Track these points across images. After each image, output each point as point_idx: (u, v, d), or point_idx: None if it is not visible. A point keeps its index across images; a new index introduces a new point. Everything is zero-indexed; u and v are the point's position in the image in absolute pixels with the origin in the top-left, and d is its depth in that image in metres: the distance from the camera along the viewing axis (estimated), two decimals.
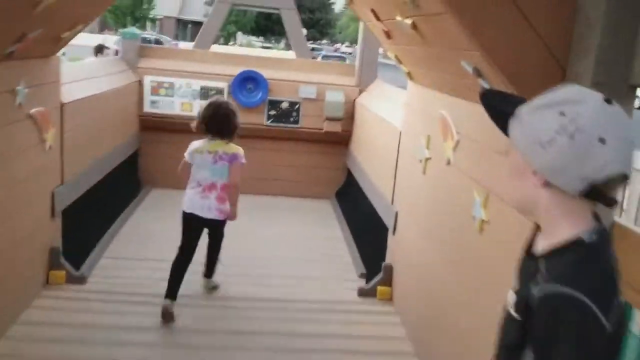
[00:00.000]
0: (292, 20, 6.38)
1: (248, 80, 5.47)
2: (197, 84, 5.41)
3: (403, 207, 3.37)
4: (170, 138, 5.49)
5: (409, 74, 3.25)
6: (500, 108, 1.18)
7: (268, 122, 5.50)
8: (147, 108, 5.38)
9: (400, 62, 3.22)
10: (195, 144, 3.23)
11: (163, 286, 3.13)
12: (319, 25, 55.94)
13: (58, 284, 3.33)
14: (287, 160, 5.62)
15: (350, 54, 59.91)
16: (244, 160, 3.23)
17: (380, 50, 5.46)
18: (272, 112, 5.51)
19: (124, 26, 48.03)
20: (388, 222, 3.62)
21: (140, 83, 5.31)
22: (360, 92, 5.49)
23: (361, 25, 5.41)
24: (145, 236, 4.24)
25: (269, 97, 5.45)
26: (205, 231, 3.30)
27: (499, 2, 1.66)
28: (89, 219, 3.92)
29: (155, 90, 5.37)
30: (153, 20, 54.21)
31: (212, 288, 3.51)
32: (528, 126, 1.07)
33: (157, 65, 5.41)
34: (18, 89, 2.73)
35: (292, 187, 5.69)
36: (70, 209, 3.53)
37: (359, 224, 4.63)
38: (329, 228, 4.89)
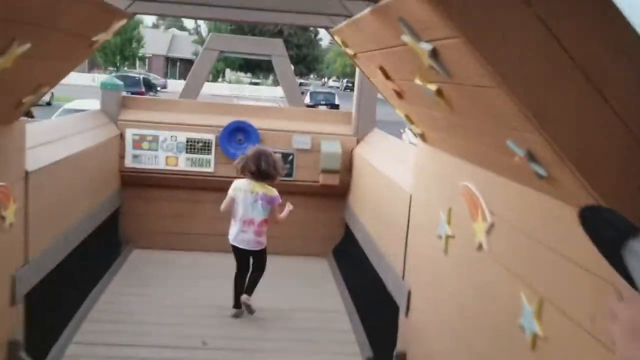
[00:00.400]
0: (283, 66, 6.06)
1: (238, 131, 5.09)
2: (183, 136, 5.02)
3: (418, 287, 2.94)
4: (153, 194, 5.10)
5: (421, 136, 2.87)
6: (606, 235, 0.88)
7: None
8: (129, 163, 4.97)
9: (411, 122, 2.85)
10: (239, 182, 3.82)
11: None
12: (306, 61, 56.30)
13: None
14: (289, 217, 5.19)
15: (337, 87, 60.55)
16: (280, 200, 3.88)
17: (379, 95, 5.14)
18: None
19: (114, 65, 48.11)
20: (399, 300, 3.19)
21: (121, 136, 4.91)
22: (358, 141, 5.12)
23: (358, 71, 5.09)
24: (123, 313, 3.77)
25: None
26: None
27: (566, 73, 1.28)
28: (58, 299, 3.45)
29: (137, 145, 4.97)
30: (142, 59, 54.34)
31: (248, 307, 3.84)
32: None
33: (140, 117, 5.02)
34: None
35: (285, 244, 5.24)
36: (35, 290, 3.07)
37: (362, 293, 4.19)
38: (328, 297, 4.44)
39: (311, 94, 31.65)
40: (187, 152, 5.03)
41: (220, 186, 5.12)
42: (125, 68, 48.63)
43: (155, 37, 54.46)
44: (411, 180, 3.19)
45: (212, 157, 5.06)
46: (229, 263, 5.02)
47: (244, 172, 3.78)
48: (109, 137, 4.65)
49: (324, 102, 29.25)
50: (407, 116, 2.84)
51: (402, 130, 14.07)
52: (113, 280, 4.30)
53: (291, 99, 6.03)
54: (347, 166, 5.06)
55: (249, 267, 3.91)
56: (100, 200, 4.37)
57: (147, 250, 5.05)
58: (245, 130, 5.08)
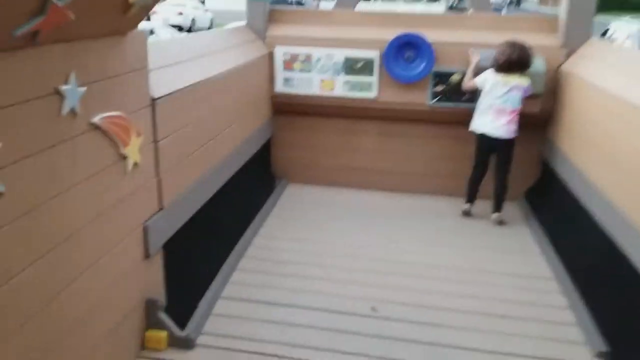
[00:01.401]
0: None
1: (406, 47, 4.14)
2: (340, 55, 4.21)
3: None
4: (307, 123, 4.43)
5: None
6: None
7: (432, 102, 4.14)
8: (280, 87, 4.31)
9: None
10: (488, 75, 3.80)
11: (299, 353, 2.34)
12: None
13: (157, 349, 2.39)
14: (459, 152, 4.24)
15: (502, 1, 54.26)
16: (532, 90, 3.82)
17: None
18: (439, 88, 4.14)
19: None
20: None
21: (270, 56, 4.23)
22: (568, 55, 3.90)
23: None
24: (276, 263, 3.19)
25: (435, 68, 4.08)
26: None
27: None
28: (201, 249, 2.95)
29: (288, 65, 4.26)
30: None
31: (499, 222, 3.89)
32: None
33: (291, 33, 4.28)
34: (64, 89, 1.72)
35: (462, 183, 4.33)
36: (173, 240, 2.56)
37: (577, 254, 3.16)
38: (527, 255, 3.47)
39: None
40: (346, 74, 4.23)
41: (384, 114, 4.29)
42: None
43: None
44: None
45: (374, 79, 4.20)
46: (396, 204, 4.29)
47: (502, 66, 3.75)
48: (257, 56, 3.99)
49: None
50: None
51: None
52: (265, 222, 3.76)
53: (475, 2, 4.85)
54: (550, 89, 3.90)
55: (487, 165, 3.94)
56: (249, 132, 3.79)
57: (301, 186, 4.46)
58: (416, 45, 4.11)
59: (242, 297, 2.82)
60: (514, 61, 3.70)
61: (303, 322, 2.64)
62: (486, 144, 3.85)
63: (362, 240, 3.55)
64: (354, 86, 4.25)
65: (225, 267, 3.01)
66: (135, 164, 2.19)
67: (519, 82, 3.75)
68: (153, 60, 2.38)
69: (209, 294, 2.72)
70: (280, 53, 4.24)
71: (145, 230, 2.30)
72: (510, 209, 4.09)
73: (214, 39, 3.76)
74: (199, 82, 2.83)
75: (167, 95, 2.45)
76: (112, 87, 2.01)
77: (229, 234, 3.35)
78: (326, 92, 4.28)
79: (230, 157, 3.37)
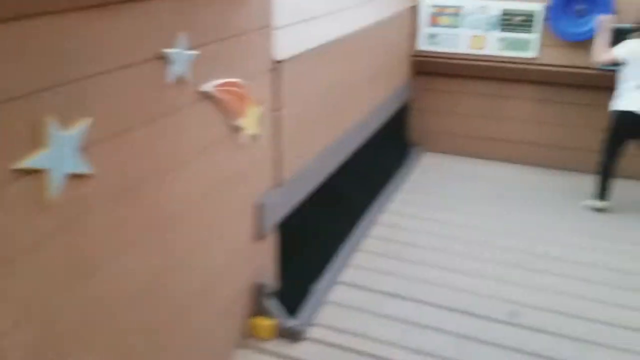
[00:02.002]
0: None
1: None
2: (496, 8, 3.64)
3: None
4: (452, 86, 3.95)
5: None
6: None
7: (604, 66, 3.44)
8: (423, 45, 3.85)
9: None
10: (632, 44, 3.15)
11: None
12: None
13: (263, 339, 2.20)
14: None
15: None
16: None
17: None
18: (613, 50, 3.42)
19: None
20: None
21: (414, 9, 3.78)
22: None
23: None
24: (404, 246, 2.86)
25: (612, 25, 3.37)
26: None
27: None
28: (321, 229, 2.70)
29: (435, 20, 3.79)
30: None
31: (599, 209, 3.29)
32: None
33: None
34: (170, 53, 1.49)
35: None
36: (291, 219, 2.34)
37: None
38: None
39: None
40: (501, 30, 3.66)
41: (543, 78, 3.67)
42: None
43: None
44: None
45: (535, 36, 3.59)
46: (549, 183, 3.72)
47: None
48: (399, 10, 3.56)
49: None
50: None
51: None
52: (395, 197, 3.42)
53: None
54: None
55: (622, 151, 3.26)
56: (383, 95, 3.43)
57: (439, 156, 4.03)
58: None
59: (362, 284, 2.54)
60: None
61: (427, 322, 2.31)
62: (630, 125, 3.14)
63: (502, 226, 3.09)
64: (509, 44, 3.68)
65: (346, 248, 2.74)
66: (253, 136, 1.96)
67: None
68: (280, 15, 2.10)
69: (325, 279, 2.48)
70: (427, 5, 3.76)
71: (259, 209, 2.08)
72: None
73: None
74: (330, 42, 2.52)
75: (293, 57, 2.17)
76: (228, 50, 1.77)
77: (354, 210, 3.07)
78: (476, 51, 3.76)
79: (360, 123, 3.05)
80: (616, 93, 3.21)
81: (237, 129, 1.87)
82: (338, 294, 2.46)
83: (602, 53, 3.23)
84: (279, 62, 2.08)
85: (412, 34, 3.83)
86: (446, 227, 3.07)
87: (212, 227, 1.83)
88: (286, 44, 2.15)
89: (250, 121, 1.92)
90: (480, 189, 3.56)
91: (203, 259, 1.81)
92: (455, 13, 3.72)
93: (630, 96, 3.13)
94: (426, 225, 3.07)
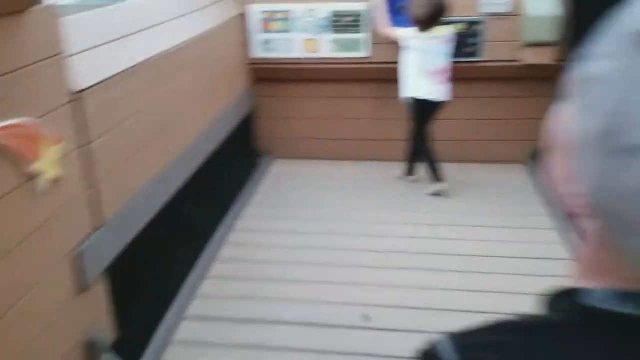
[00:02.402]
0: None
1: None
2: (325, 10, 3.66)
3: None
4: (292, 91, 3.91)
5: None
6: None
7: None
8: (258, 52, 3.78)
9: None
10: (411, 32, 3.27)
11: None
12: None
13: None
14: (461, 112, 3.74)
15: None
16: None
17: None
18: None
19: None
20: None
21: (243, 17, 3.69)
22: None
23: None
24: (253, 268, 2.76)
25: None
26: None
27: None
28: (162, 262, 2.52)
29: (266, 26, 3.72)
30: None
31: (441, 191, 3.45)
32: None
33: None
34: None
35: (465, 149, 3.85)
36: (123, 260, 2.13)
37: None
38: (538, 228, 3.05)
39: None
40: (334, 32, 3.69)
41: (378, 75, 3.76)
42: None
43: None
44: None
45: (366, 36, 3.66)
46: (393, 176, 3.86)
47: (422, 22, 3.21)
48: (226, 19, 3.45)
49: None
50: None
51: None
52: (244, 213, 3.31)
53: None
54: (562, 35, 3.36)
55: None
56: (221, 108, 3.30)
57: (289, 162, 3.99)
58: None
59: (211, 315, 2.41)
60: (437, 12, 3.16)
61: (284, 343, 2.24)
62: (427, 109, 3.38)
63: (354, 225, 3.12)
64: (342, 45, 3.72)
65: (192, 277, 2.58)
66: (55, 180, 1.74)
67: (444, 33, 3.28)
68: (77, 40, 1.89)
69: (170, 316, 2.31)
70: (255, 12, 3.69)
71: (78, 258, 1.85)
72: (517, 176, 3.64)
73: (169, 3, 3.22)
74: (146, 61, 2.34)
75: (96, 85, 1.97)
76: (6, 88, 1.53)
77: (201, 234, 2.92)
78: (311, 54, 3.76)
79: (197, 141, 2.90)
80: (404, 78, 3.39)
81: (33, 176, 1.64)
82: (185, 330, 2.31)
83: (385, 27, 3.42)
84: (79, 92, 1.86)
85: (245, 42, 3.74)
86: (297, 237, 3.02)
87: (20, 290, 1.59)
88: (88, 70, 1.94)
89: (48, 164, 1.70)
90: (329, 192, 3.57)
91: (16, 328, 1.57)
92: (285, 18, 3.68)
93: (424, 82, 3.30)
94: (277, 239, 3.00)
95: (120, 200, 2.11)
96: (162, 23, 2.71)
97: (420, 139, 3.48)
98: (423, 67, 3.28)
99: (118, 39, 2.28)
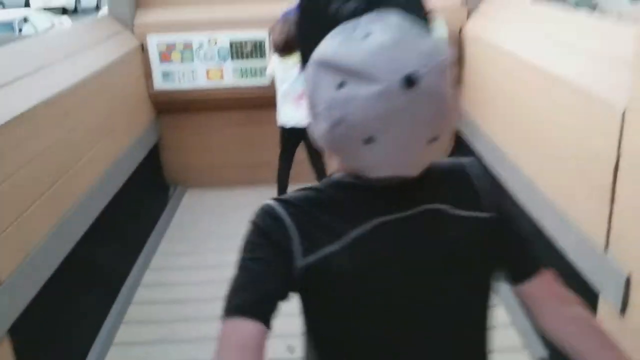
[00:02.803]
0: None
1: None
2: (225, 39, 3.66)
3: None
4: (199, 120, 3.88)
5: None
6: None
7: None
8: (160, 84, 3.71)
9: None
10: (276, 59, 3.30)
11: None
12: None
13: None
14: None
15: None
16: None
17: None
18: None
19: None
20: (602, 285, 1.89)
21: (142, 48, 3.62)
22: (469, 13, 3.56)
23: None
24: (167, 309, 2.69)
25: None
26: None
27: None
28: (71, 315, 2.39)
29: (166, 57, 3.67)
30: None
31: None
32: None
33: (164, 18, 3.67)
34: None
35: None
36: (26, 318, 2.01)
37: None
38: None
39: None
40: (234, 58, 3.70)
41: None
42: None
43: None
44: (625, 83, 1.74)
45: (267, 62, 3.70)
46: None
47: (288, 50, 3.22)
48: (125, 52, 3.37)
49: None
50: None
51: None
52: (159, 248, 3.23)
53: None
54: (456, 53, 3.55)
55: (294, 155, 3.56)
56: (125, 144, 3.21)
57: (201, 192, 3.95)
58: None
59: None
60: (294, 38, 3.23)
61: None
62: (293, 135, 3.40)
63: None
64: (244, 72, 3.74)
65: (107, 324, 2.48)
66: None
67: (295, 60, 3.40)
68: None
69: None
70: (154, 43, 3.63)
71: None
72: None
73: (60, 40, 3.11)
74: (36, 106, 2.23)
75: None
76: None
77: (112, 276, 2.81)
78: (215, 83, 3.74)
79: (102, 180, 2.80)
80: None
81: None
82: None
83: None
84: None
85: (147, 74, 3.66)
86: (212, 271, 2.97)
87: None
88: None
89: None
90: (243, 220, 3.49)
91: None
92: (186, 48, 3.65)
93: (286, 109, 3.36)
94: (192, 276, 2.95)
95: (16, 257, 2.00)
96: (56, 62, 2.61)
97: (282, 164, 3.50)
98: (286, 94, 3.34)
99: (6, 83, 2.17)
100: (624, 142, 1.74)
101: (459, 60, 3.55)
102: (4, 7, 21.19)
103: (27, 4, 21.99)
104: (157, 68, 3.66)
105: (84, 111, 2.66)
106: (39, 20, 11.26)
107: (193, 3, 3.73)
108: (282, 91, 3.34)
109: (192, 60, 3.68)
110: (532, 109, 2.42)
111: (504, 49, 2.77)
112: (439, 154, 0.85)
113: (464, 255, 0.89)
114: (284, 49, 3.16)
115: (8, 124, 2.01)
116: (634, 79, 1.67)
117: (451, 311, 0.90)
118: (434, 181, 0.91)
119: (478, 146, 3.31)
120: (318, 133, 0.85)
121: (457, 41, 3.55)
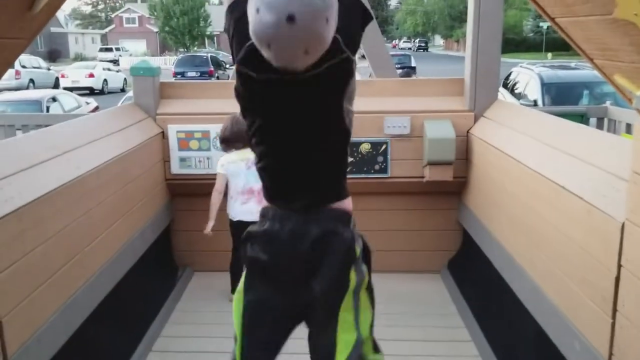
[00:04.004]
0: (371, 30, 4.60)
1: None
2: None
3: None
4: (208, 203, 3.95)
5: None
6: None
7: None
8: (177, 169, 3.85)
9: None
10: (227, 157, 3.50)
11: None
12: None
13: None
14: (374, 224, 3.92)
15: (409, 48, 58.11)
16: None
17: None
18: (349, 159, 3.83)
19: (184, 45, 47.98)
20: None
21: (163, 135, 3.79)
22: (476, 119, 3.73)
23: (471, 16, 3.65)
24: None
25: None
26: None
27: None
28: None
29: (184, 144, 3.83)
30: (211, 37, 54.01)
31: None
32: None
33: (185, 109, 3.87)
34: None
35: (383, 260, 3.99)
36: None
37: (508, 337, 2.86)
38: (450, 330, 3.17)
39: None
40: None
41: None
42: (195, 48, 48.80)
43: (222, 14, 54.01)
44: (625, 192, 1.81)
45: None
46: None
47: (229, 144, 3.48)
48: (147, 138, 3.54)
49: (399, 66, 27.25)
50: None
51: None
52: (165, 331, 3.22)
53: (379, 68, 4.65)
54: (461, 152, 3.69)
55: None
56: (139, 225, 3.29)
57: (209, 275, 3.97)
58: None
59: None
60: (238, 133, 3.30)
61: None
62: (239, 230, 3.43)
63: None
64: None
65: None
66: None
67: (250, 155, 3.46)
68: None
69: None
70: (174, 132, 3.80)
71: None
72: (434, 285, 3.80)
73: (98, 124, 3.28)
74: (57, 188, 2.34)
75: (4, 216, 1.94)
76: None
77: (115, 359, 2.79)
78: None
79: (113, 261, 2.85)
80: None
81: None
82: None
83: (218, 186, 3.57)
84: None
85: (165, 159, 3.81)
86: (213, 357, 2.95)
87: None
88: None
89: None
90: None
91: None
92: (203, 137, 3.81)
93: (238, 204, 3.46)
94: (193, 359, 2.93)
95: (24, 334, 2.02)
96: (83, 145, 2.76)
97: (234, 255, 3.50)
98: (234, 188, 3.46)
99: (34, 165, 2.29)
100: (624, 254, 1.79)
101: (466, 159, 3.69)
102: (34, 86, 22.24)
103: (56, 85, 23.09)
104: (175, 154, 3.81)
105: (103, 193, 2.76)
106: (66, 100, 11.77)
107: (212, 96, 3.95)
108: (230, 187, 3.48)
109: (209, 148, 3.83)
110: (537, 214, 2.49)
111: (511, 154, 2.89)
112: (314, 58, 1.47)
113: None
114: (229, 143, 3.40)
115: (31, 204, 2.10)
116: (631, 192, 1.75)
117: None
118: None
119: (484, 247, 3.36)
120: (251, 28, 1.45)
121: (465, 142, 3.69)
